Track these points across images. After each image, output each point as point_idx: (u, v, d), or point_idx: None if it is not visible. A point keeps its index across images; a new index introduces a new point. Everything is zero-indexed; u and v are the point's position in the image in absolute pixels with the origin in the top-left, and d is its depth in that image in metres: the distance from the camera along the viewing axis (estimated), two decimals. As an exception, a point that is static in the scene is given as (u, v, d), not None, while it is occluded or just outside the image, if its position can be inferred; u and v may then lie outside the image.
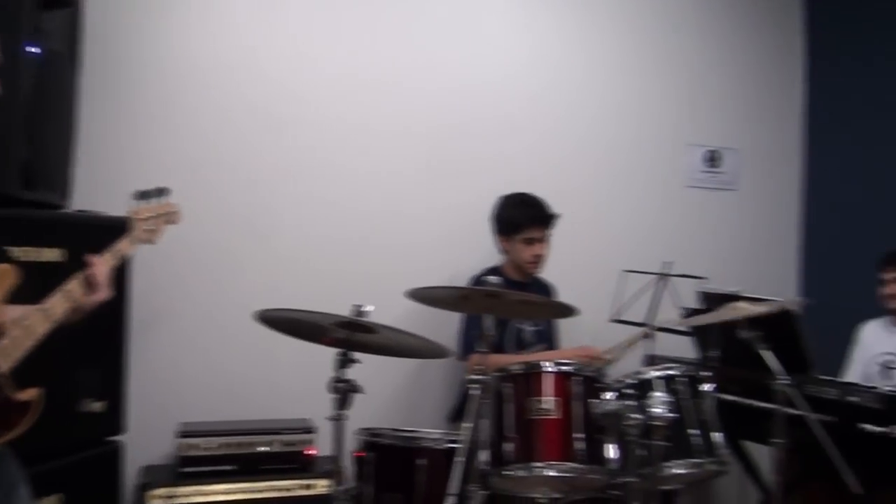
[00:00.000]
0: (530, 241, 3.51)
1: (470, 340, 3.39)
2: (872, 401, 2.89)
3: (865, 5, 4.33)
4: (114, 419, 2.89)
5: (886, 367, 3.65)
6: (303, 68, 3.69)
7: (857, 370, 3.78)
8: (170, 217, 2.52)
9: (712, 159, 4.43)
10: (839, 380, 3.27)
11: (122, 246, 2.25)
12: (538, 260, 3.55)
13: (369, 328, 2.54)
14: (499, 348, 3.40)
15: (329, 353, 2.58)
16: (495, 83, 4.00)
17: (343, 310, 2.52)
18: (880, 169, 4.21)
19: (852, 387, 3.02)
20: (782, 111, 4.65)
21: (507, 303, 2.62)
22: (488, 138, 3.97)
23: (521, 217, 3.52)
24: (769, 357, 2.72)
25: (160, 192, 2.44)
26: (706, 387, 2.83)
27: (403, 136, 3.84)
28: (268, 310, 2.58)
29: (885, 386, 3.27)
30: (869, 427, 3.04)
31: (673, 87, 4.37)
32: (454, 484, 2.38)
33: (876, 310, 3.74)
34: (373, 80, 3.79)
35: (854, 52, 4.39)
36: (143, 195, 2.40)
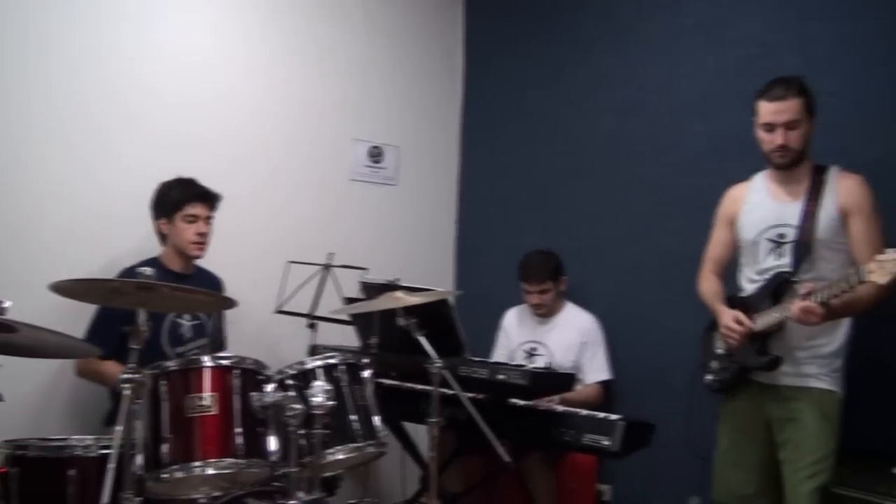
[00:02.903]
0: (192, 219, 3.40)
1: (93, 336, 3.20)
2: (519, 378, 3.14)
3: (518, 19, 4.68)
4: None
5: (530, 354, 4.00)
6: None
7: (503, 354, 4.11)
8: None
9: (375, 155, 4.57)
10: (489, 360, 3.52)
11: None
12: (202, 239, 3.43)
13: (9, 327, 2.31)
14: (153, 344, 3.24)
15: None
16: (163, 74, 3.80)
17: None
18: (524, 171, 4.58)
19: (501, 366, 3.26)
20: (442, 112, 4.89)
21: (161, 296, 2.50)
22: (153, 126, 3.76)
23: (182, 194, 3.42)
24: (425, 342, 2.85)
25: None
26: (366, 373, 2.92)
27: (55, 114, 3.50)
28: None
29: (530, 365, 3.59)
30: (516, 401, 3.33)
31: (340, 85, 4.43)
32: (107, 493, 2.24)
33: (521, 296, 4.08)
34: (34, 59, 3.44)
35: (506, 62, 4.72)
36: None
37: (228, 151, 3.99)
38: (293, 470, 2.56)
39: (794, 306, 2.72)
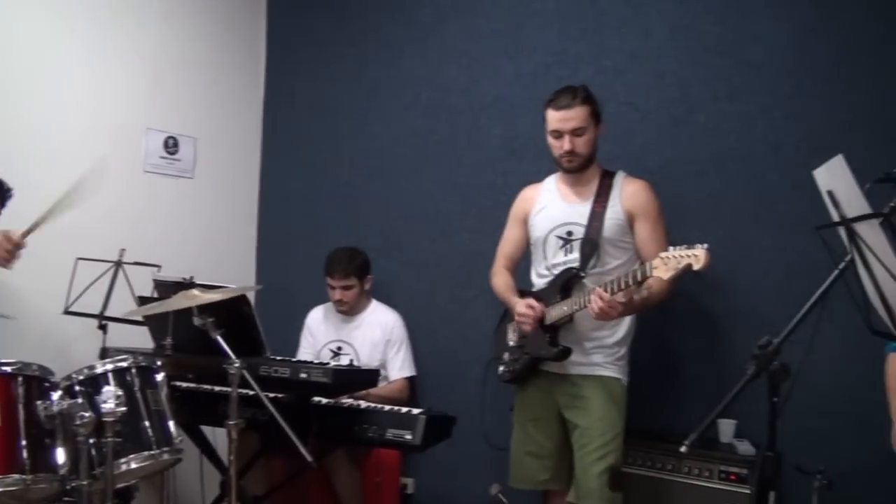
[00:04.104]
0: None
1: None
2: (321, 376, 3.11)
3: (322, 15, 4.61)
4: None
5: (336, 354, 3.98)
6: None
7: (308, 354, 4.07)
8: None
9: (171, 146, 4.38)
10: (291, 359, 3.47)
11: None
12: None
13: None
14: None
15: None
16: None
17: None
18: (328, 167, 4.54)
19: (303, 364, 3.23)
20: (243, 104, 4.75)
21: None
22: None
23: None
24: (222, 342, 2.77)
25: None
26: (160, 376, 2.82)
27: None
28: None
29: (333, 363, 3.58)
30: (320, 400, 3.31)
31: (134, 71, 4.20)
32: None
33: (325, 295, 4.06)
34: None
35: (310, 57, 4.65)
36: None
37: (11, 139, 3.70)
38: (84, 483, 2.44)
39: (594, 304, 2.84)
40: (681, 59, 3.50)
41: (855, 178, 1.72)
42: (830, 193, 1.77)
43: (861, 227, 1.72)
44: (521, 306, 3.10)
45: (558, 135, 3.07)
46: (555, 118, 3.06)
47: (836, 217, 1.78)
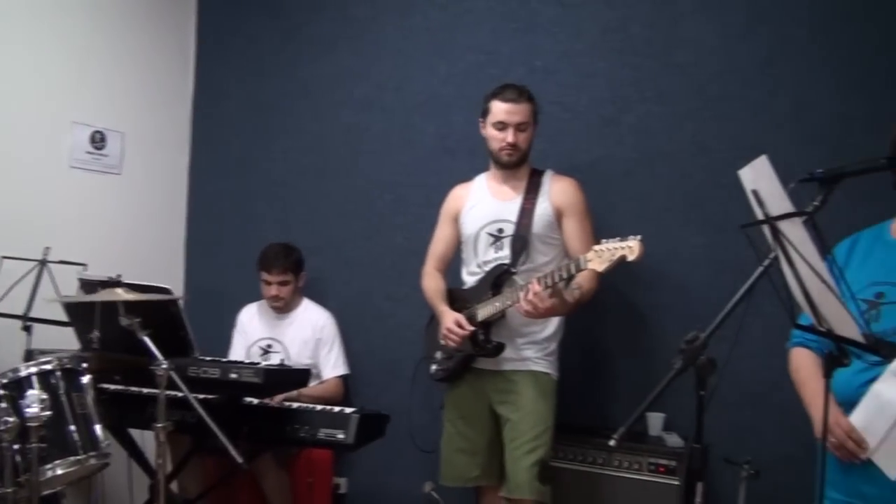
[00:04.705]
0: None
1: None
2: (252, 376, 3.10)
3: (253, 10, 4.55)
4: None
5: (266, 351, 3.94)
6: None
7: (239, 352, 4.03)
8: None
9: (98, 140, 4.27)
10: (220, 359, 3.43)
11: None
12: None
13: None
14: None
15: None
16: None
17: None
18: (260, 165, 4.49)
19: (233, 365, 3.20)
20: (172, 99, 4.66)
21: None
22: None
23: None
24: (149, 343, 2.72)
25: None
26: (85, 379, 2.76)
27: None
28: None
29: (264, 363, 3.55)
30: (250, 400, 3.28)
31: (59, 63, 4.09)
32: None
33: (255, 294, 4.01)
34: None
35: (241, 52, 4.59)
36: None
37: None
38: (9, 490, 2.38)
39: (523, 295, 2.86)
40: (611, 61, 3.56)
41: (779, 178, 1.75)
42: (755, 192, 1.80)
43: (785, 226, 1.75)
44: (449, 321, 3.11)
45: (503, 126, 3.10)
46: (501, 109, 3.09)
47: (760, 215, 1.81)
